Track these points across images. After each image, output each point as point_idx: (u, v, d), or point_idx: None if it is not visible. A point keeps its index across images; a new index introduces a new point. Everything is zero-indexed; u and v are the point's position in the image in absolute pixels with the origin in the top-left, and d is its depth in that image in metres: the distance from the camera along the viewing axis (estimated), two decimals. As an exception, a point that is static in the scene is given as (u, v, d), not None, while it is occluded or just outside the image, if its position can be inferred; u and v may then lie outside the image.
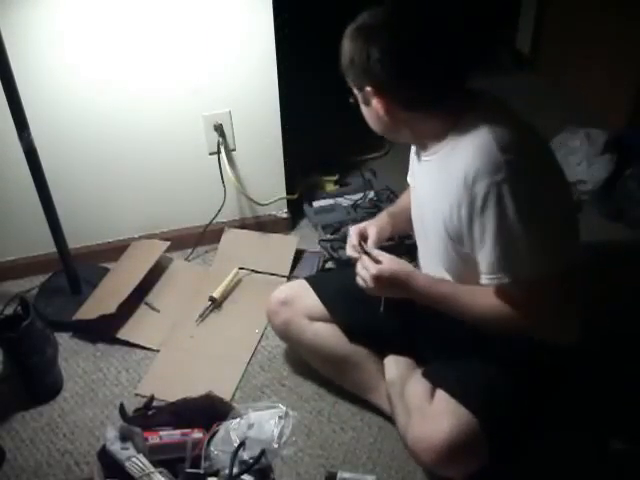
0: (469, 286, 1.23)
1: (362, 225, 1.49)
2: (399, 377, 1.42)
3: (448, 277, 1.30)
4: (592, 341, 1.61)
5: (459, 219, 1.16)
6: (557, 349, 1.25)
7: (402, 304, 1.32)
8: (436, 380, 1.33)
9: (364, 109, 1.23)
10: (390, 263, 1.26)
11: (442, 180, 1.19)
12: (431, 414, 1.26)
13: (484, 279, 1.17)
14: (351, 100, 1.24)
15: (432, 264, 1.34)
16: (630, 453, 1.42)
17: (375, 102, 1.17)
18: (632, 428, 1.47)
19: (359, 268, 1.29)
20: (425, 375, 1.36)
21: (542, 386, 1.31)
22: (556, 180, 1.21)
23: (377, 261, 1.26)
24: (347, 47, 1.16)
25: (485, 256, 1.15)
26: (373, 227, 1.48)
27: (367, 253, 1.31)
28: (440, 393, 1.29)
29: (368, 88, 1.16)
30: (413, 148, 1.38)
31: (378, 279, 1.25)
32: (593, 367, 1.56)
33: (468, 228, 1.16)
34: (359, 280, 1.29)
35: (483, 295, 1.20)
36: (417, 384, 1.36)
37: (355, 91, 1.22)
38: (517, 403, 1.28)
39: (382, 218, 1.54)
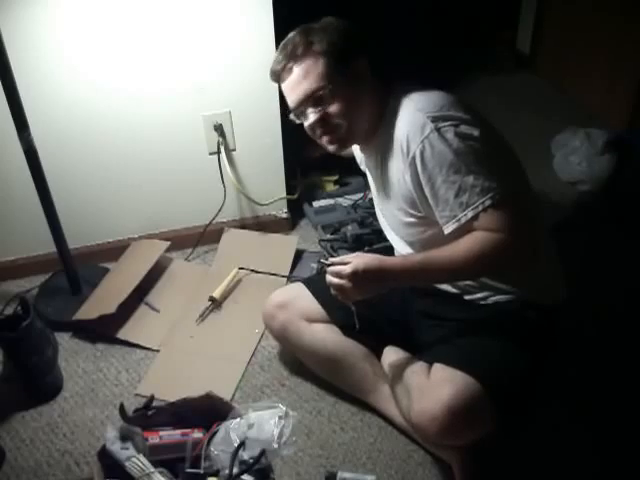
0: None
1: None
2: (398, 366, 1.42)
3: (409, 244, 1.39)
4: (590, 336, 1.63)
5: (407, 186, 1.26)
6: (541, 307, 1.33)
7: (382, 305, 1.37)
8: (431, 357, 1.34)
9: (335, 106, 1.28)
10: (357, 258, 1.24)
11: (385, 162, 1.33)
12: (430, 386, 1.27)
13: (450, 227, 1.21)
14: (314, 116, 1.29)
15: (403, 247, 1.41)
16: (628, 451, 1.42)
17: (342, 85, 1.27)
18: (630, 425, 1.47)
19: (329, 279, 1.26)
20: (420, 358, 1.39)
21: (533, 345, 1.33)
22: (480, 120, 1.26)
23: (343, 264, 1.24)
24: (310, 56, 1.27)
25: (443, 205, 1.20)
26: None
27: (330, 264, 1.27)
28: (436, 366, 1.30)
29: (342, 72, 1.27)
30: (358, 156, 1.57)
31: (354, 277, 1.21)
32: (592, 360, 1.59)
33: (418, 190, 1.24)
34: (334, 291, 1.27)
35: (456, 244, 1.21)
36: (414, 368, 1.37)
37: (320, 99, 1.28)
38: (512, 361, 1.29)
39: None
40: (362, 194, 2.19)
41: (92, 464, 1.35)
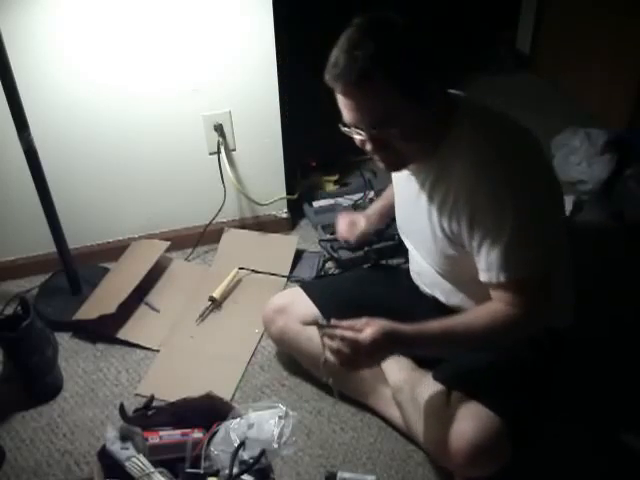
0: (461, 314, 1.21)
1: (352, 215, 1.57)
2: (406, 381, 1.39)
3: (441, 280, 1.33)
4: (591, 337, 1.63)
5: (456, 224, 1.18)
6: (554, 331, 1.31)
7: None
8: (450, 383, 1.30)
9: (398, 134, 1.12)
10: (371, 326, 1.13)
11: (437, 189, 1.21)
12: (452, 419, 1.23)
13: (484, 276, 1.18)
14: (371, 142, 1.13)
15: (424, 265, 1.37)
16: (625, 446, 1.43)
17: (409, 111, 1.11)
18: (627, 421, 1.48)
19: (338, 347, 1.13)
20: (436, 378, 1.34)
21: (546, 370, 1.33)
22: (549, 181, 1.21)
23: (353, 330, 1.14)
24: (381, 75, 1.05)
25: (484, 259, 1.16)
26: (362, 219, 1.58)
27: (333, 326, 1.16)
28: (456, 395, 1.27)
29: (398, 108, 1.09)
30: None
31: (372, 347, 1.11)
32: (592, 361, 1.58)
33: (469, 234, 1.17)
34: (337, 360, 1.14)
35: (475, 318, 1.19)
36: (429, 388, 1.33)
37: (382, 133, 1.12)
38: (530, 393, 1.28)
39: (371, 212, 1.61)
40: (362, 194, 2.19)
41: (92, 464, 1.35)
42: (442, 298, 1.40)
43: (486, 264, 1.17)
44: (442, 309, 1.37)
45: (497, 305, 1.18)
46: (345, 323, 1.16)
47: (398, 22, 1.09)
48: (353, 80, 1.06)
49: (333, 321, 1.18)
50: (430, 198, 1.24)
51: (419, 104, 1.10)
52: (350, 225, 1.64)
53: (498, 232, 1.13)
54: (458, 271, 1.29)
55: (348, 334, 1.13)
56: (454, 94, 1.23)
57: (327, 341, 1.15)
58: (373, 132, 1.12)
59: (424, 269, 1.40)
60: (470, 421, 1.20)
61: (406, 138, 1.14)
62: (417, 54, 1.09)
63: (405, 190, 1.35)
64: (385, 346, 1.14)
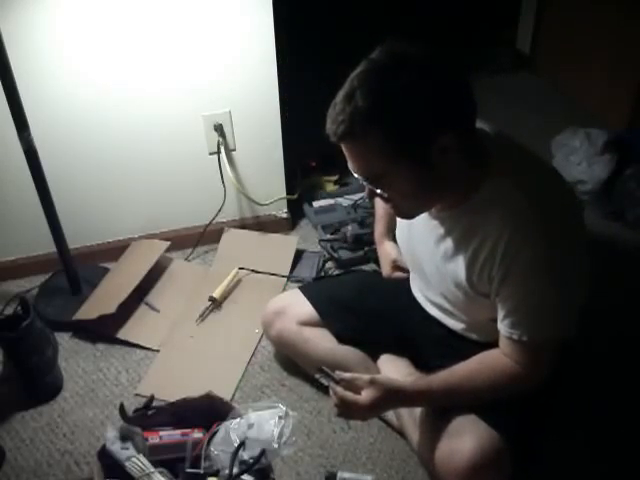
0: (463, 369, 1.19)
1: (393, 256, 1.51)
2: None
3: (446, 304, 1.30)
4: (591, 341, 1.63)
5: (489, 277, 1.12)
6: None
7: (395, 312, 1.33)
8: None
9: (393, 191, 1.08)
10: (373, 390, 1.16)
11: (464, 237, 1.15)
12: (451, 434, 1.21)
13: (504, 330, 1.15)
14: (369, 192, 1.10)
15: (431, 292, 1.34)
16: (622, 453, 1.42)
17: (409, 171, 1.04)
18: (624, 428, 1.47)
19: (337, 402, 1.19)
20: None
21: (548, 384, 1.29)
22: (583, 240, 1.15)
23: (355, 387, 1.17)
24: (374, 132, 0.99)
25: (511, 312, 1.12)
26: (393, 249, 1.52)
27: (337, 381, 1.20)
28: (455, 409, 1.24)
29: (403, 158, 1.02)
30: None
31: (367, 412, 1.19)
32: (588, 367, 1.57)
33: (498, 285, 1.12)
34: (338, 412, 1.21)
35: (483, 368, 1.18)
36: None
37: (377, 185, 1.07)
38: (531, 408, 1.26)
39: (388, 237, 1.55)
40: (362, 194, 2.18)
41: (92, 464, 1.35)
42: (447, 323, 1.35)
43: (510, 319, 1.13)
44: (443, 325, 1.36)
45: (505, 363, 1.16)
46: (348, 376, 1.19)
47: (412, 63, 0.99)
48: (339, 134, 1.01)
49: (337, 372, 1.21)
50: (458, 247, 1.16)
51: (423, 163, 1.02)
52: (394, 265, 1.54)
53: (531, 294, 1.09)
54: (473, 310, 1.25)
55: (349, 396, 1.17)
56: (485, 133, 1.14)
57: (330, 390, 1.21)
58: (369, 186, 1.08)
59: (432, 297, 1.36)
60: (469, 437, 1.18)
61: (405, 195, 1.08)
62: (423, 108, 0.98)
63: (418, 225, 1.25)
64: (384, 407, 1.24)
